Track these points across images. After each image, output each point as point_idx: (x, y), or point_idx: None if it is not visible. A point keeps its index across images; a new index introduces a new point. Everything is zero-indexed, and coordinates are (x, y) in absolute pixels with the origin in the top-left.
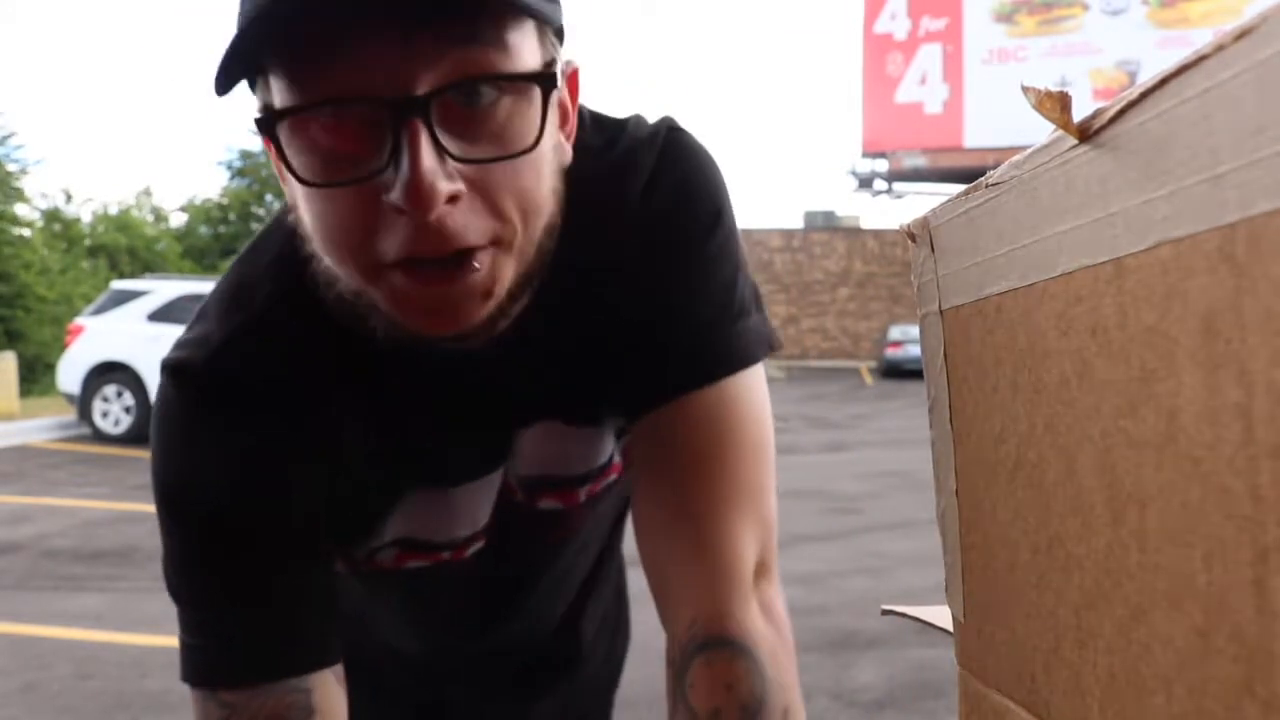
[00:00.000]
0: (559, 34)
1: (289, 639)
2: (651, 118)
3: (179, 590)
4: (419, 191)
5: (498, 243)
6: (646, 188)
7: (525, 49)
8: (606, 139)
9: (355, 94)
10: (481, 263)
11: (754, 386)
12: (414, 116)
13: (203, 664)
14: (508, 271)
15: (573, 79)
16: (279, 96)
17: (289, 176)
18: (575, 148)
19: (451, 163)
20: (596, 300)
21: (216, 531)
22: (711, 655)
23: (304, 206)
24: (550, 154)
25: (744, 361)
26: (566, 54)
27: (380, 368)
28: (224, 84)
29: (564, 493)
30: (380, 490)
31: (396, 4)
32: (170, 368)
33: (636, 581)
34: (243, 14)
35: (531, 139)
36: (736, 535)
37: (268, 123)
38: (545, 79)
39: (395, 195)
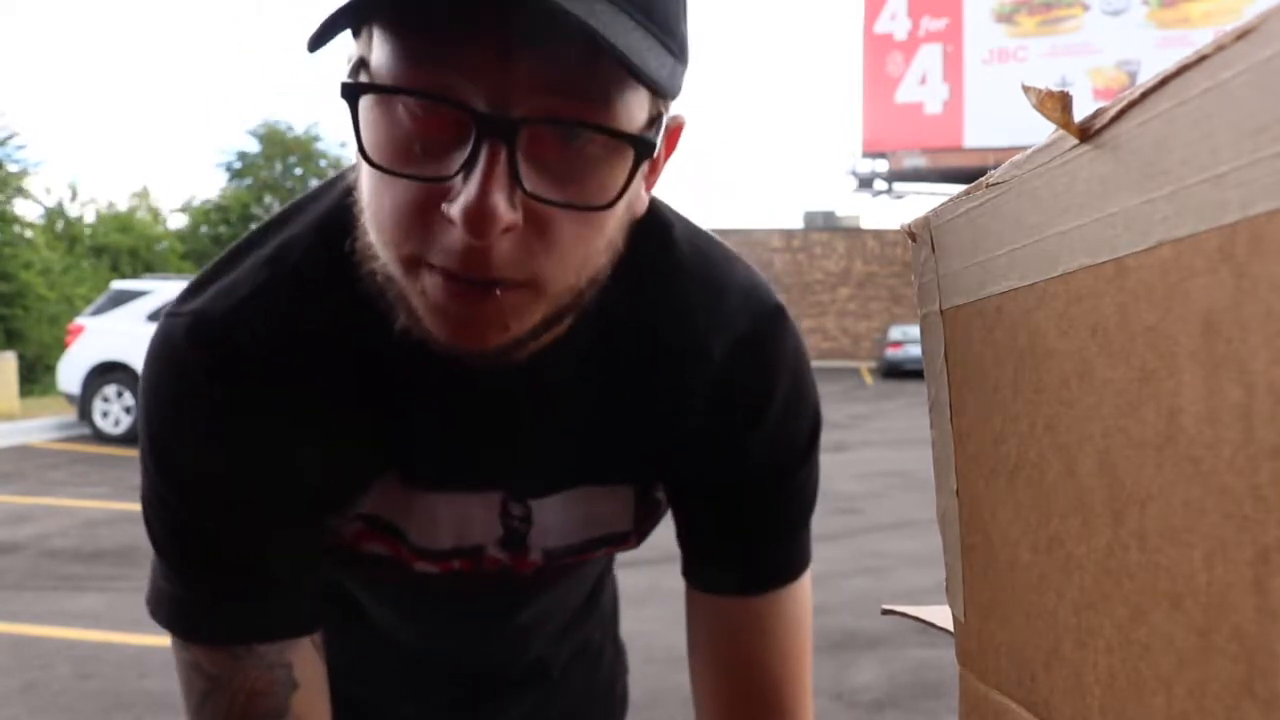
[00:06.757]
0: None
1: (269, 601)
2: (760, 291)
3: (160, 542)
4: (478, 217)
5: (533, 283)
6: (746, 358)
7: (634, 104)
8: (704, 264)
9: (453, 95)
10: (508, 298)
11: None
12: (500, 138)
13: (179, 615)
14: (534, 312)
15: (674, 134)
16: (376, 63)
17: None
18: (664, 246)
19: (520, 194)
20: (641, 389)
21: (203, 490)
22: None
23: (366, 180)
24: (621, 212)
25: (807, 562)
26: (676, 108)
27: (391, 356)
28: (320, 38)
29: (582, 555)
30: (360, 467)
31: (524, 18)
32: (184, 314)
33: (638, 581)
34: None
35: (610, 196)
36: None
37: (352, 90)
38: (644, 145)
39: (455, 210)
